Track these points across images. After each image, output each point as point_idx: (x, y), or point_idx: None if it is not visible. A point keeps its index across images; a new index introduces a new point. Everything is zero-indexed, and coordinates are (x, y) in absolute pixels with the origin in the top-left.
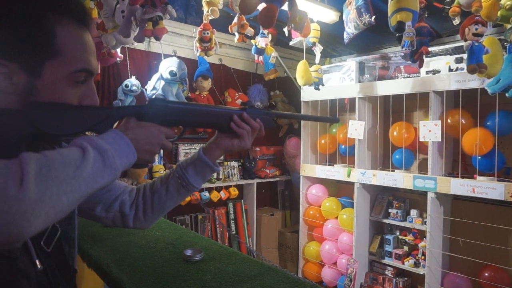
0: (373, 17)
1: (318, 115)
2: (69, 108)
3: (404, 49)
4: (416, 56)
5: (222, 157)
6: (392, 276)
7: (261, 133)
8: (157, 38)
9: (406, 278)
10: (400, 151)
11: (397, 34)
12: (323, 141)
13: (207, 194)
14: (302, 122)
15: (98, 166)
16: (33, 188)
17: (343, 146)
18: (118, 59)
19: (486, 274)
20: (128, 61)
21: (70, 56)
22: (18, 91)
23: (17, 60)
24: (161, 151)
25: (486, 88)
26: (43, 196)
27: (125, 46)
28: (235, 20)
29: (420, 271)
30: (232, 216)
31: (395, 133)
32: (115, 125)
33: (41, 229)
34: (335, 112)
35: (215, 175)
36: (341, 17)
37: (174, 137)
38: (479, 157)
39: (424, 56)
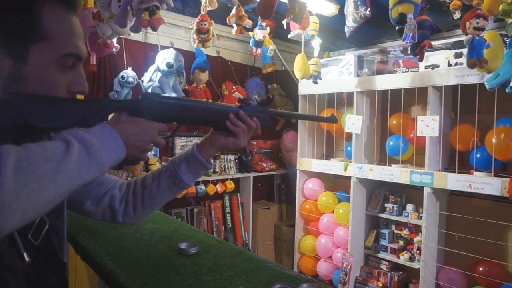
0: (368, 9)
1: (316, 115)
2: (59, 100)
3: (405, 42)
4: (417, 50)
5: None
6: (387, 270)
7: (257, 132)
8: (154, 29)
9: (401, 272)
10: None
11: (397, 27)
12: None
13: (203, 187)
14: None
15: (82, 161)
16: (10, 183)
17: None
18: (114, 50)
19: (481, 269)
20: (124, 52)
21: (58, 40)
22: (2, 77)
23: (1, 45)
24: None
25: (485, 83)
26: (21, 191)
27: (121, 36)
28: (233, 11)
29: (415, 265)
30: (228, 210)
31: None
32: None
33: (20, 225)
34: (332, 106)
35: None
36: (340, 10)
37: (168, 134)
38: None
39: (425, 50)
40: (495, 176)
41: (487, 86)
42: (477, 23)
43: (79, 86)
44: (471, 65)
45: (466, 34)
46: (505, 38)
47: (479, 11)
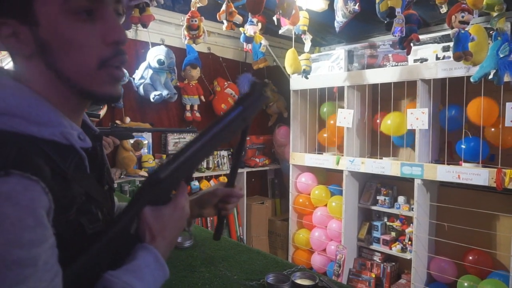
0: (357, 4)
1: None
2: None
3: (394, 35)
4: (405, 43)
5: None
6: (380, 261)
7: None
8: (144, 26)
9: (393, 263)
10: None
11: (386, 21)
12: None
13: (197, 183)
14: (292, 111)
15: None
16: None
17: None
18: None
19: (470, 258)
20: None
21: None
22: (36, 51)
23: (10, 12)
24: (150, 140)
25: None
26: None
27: None
28: (224, 7)
29: (407, 256)
30: None
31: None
32: None
33: None
34: (324, 101)
35: (204, 165)
36: (330, 5)
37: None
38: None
39: (412, 43)
40: (483, 167)
41: (471, 79)
42: (462, 17)
43: (113, 34)
44: (456, 58)
45: (452, 28)
46: (490, 32)
47: (464, 5)
